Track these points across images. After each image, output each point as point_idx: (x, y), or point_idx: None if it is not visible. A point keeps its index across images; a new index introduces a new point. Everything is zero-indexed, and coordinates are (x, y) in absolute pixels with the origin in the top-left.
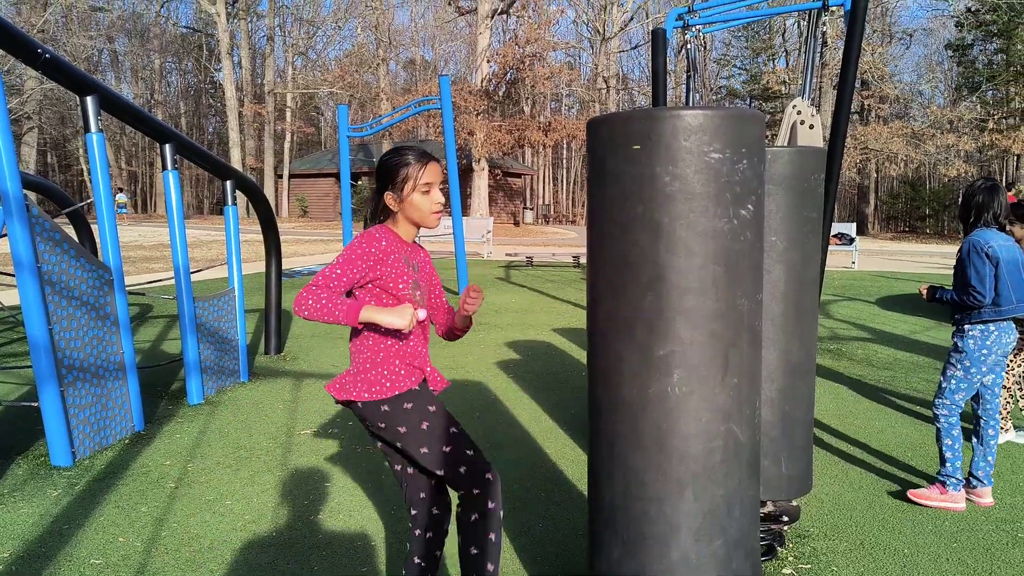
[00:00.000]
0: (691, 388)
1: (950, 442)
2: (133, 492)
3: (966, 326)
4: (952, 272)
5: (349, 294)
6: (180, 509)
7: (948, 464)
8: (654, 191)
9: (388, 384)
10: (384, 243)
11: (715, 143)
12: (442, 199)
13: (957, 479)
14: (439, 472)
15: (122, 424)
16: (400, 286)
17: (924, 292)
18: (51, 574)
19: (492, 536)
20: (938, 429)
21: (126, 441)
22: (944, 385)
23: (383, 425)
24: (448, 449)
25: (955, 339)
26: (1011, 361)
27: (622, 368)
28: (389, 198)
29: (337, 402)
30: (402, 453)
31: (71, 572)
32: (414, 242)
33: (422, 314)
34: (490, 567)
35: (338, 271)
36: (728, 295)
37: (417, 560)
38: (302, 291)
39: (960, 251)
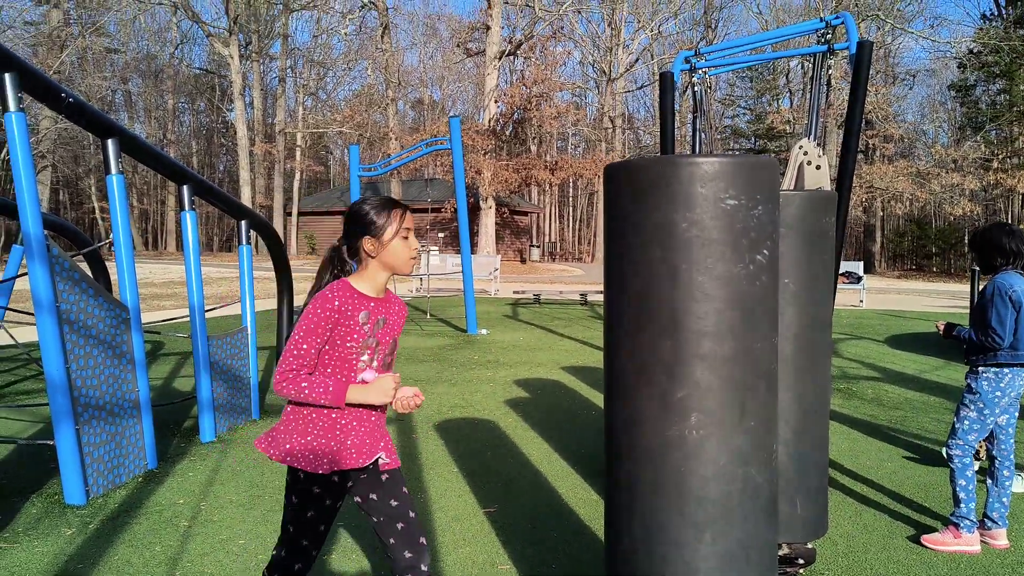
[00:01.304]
0: (709, 431)
1: (964, 483)
2: (146, 531)
3: (980, 368)
4: (968, 311)
5: None
6: (193, 548)
7: (962, 505)
8: (672, 237)
9: (322, 459)
10: (337, 302)
11: (731, 190)
12: (417, 245)
13: (971, 520)
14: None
15: (136, 462)
16: (348, 344)
17: (941, 328)
18: None
19: None
20: (952, 470)
21: (139, 479)
22: (958, 426)
23: (288, 479)
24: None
25: (969, 380)
26: None
27: (640, 412)
28: (368, 243)
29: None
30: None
31: None
32: (387, 291)
33: (369, 375)
34: None
35: (304, 347)
36: (745, 339)
37: None
38: (278, 373)
39: (983, 292)
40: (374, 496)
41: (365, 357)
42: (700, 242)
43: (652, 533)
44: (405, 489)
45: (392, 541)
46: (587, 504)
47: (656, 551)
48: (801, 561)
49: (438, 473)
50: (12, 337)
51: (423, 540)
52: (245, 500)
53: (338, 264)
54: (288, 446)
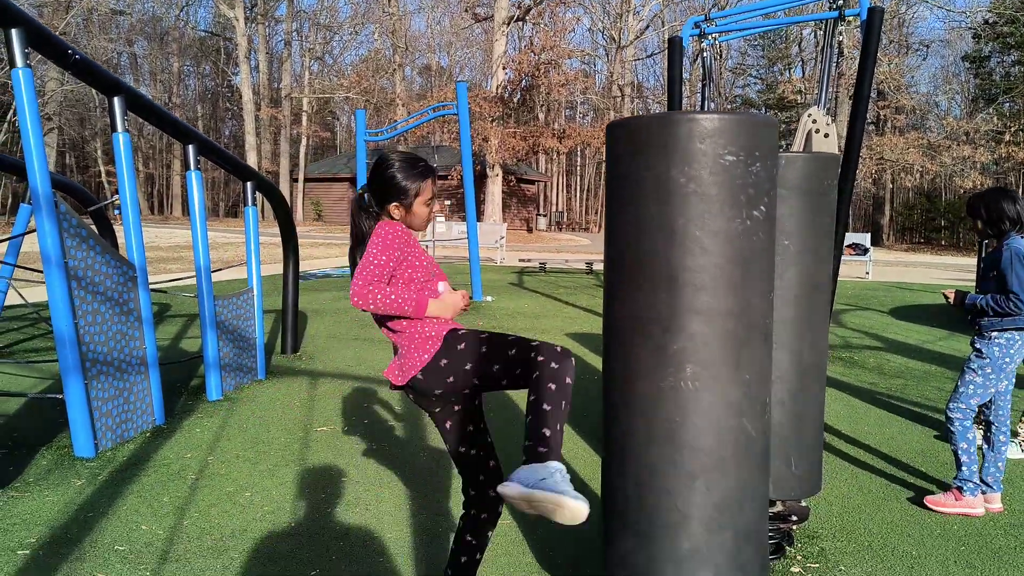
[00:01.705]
0: (703, 383)
1: (965, 445)
2: (155, 483)
3: (994, 333)
4: (975, 280)
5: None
6: (201, 500)
7: (964, 468)
8: (670, 192)
9: (432, 345)
10: (400, 229)
11: (730, 146)
12: (438, 207)
13: (974, 483)
14: (525, 353)
15: (144, 417)
16: (425, 261)
17: (951, 297)
18: (77, 559)
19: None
20: (952, 432)
21: (147, 434)
22: (961, 389)
23: (451, 380)
24: (513, 341)
25: (979, 345)
26: None
27: (637, 363)
28: (394, 208)
29: (394, 387)
30: (483, 384)
31: (96, 557)
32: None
33: (442, 286)
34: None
35: (383, 258)
36: (741, 294)
37: (469, 538)
38: (357, 282)
39: (997, 258)
40: (471, 427)
41: (434, 272)
42: (698, 197)
43: (645, 481)
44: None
45: (481, 478)
46: (588, 464)
47: (649, 498)
48: (795, 518)
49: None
50: (21, 296)
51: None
52: (251, 456)
53: (364, 214)
54: (427, 342)
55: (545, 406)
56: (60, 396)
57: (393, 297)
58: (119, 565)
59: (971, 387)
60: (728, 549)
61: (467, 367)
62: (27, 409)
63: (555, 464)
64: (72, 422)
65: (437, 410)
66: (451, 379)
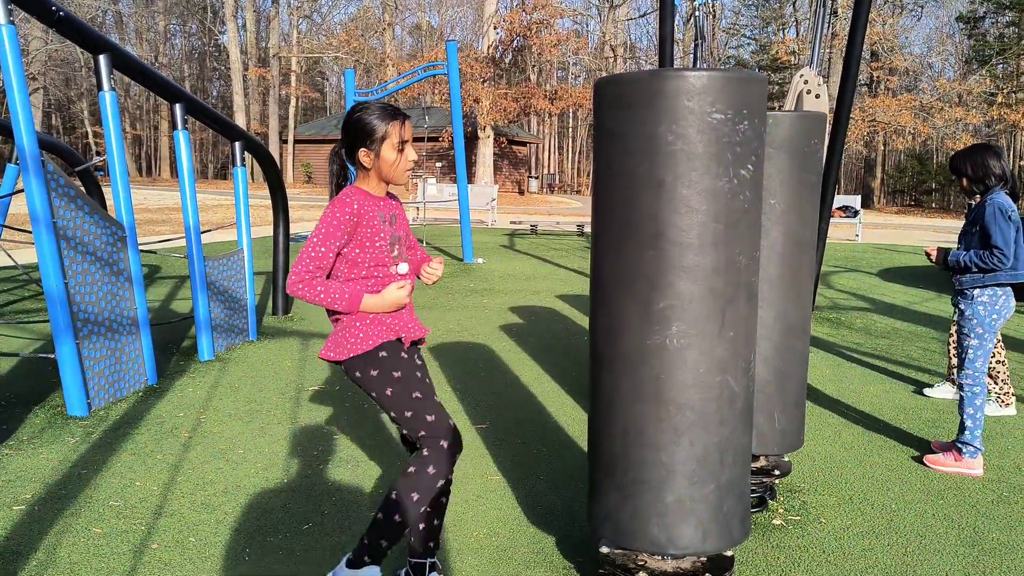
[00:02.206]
0: (689, 341)
1: (972, 411)
2: (148, 440)
3: (975, 291)
4: (957, 239)
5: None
6: (194, 457)
7: (967, 432)
8: (657, 150)
9: (364, 339)
10: (356, 205)
11: (717, 104)
12: (415, 156)
13: (975, 447)
14: (402, 422)
15: (136, 377)
16: (377, 243)
17: (933, 254)
18: (72, 514)
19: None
20: (962, 398)
21: (140, 393)
22: (963, 356)
23: (359, 376)
24: (417, 401)
25: (962, 306)
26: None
27: (623, 321)
28: (363, 155)
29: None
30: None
31: (91, 513)
32: (388, 195)
33: (403, 268)
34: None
35: (322, 249)
36: (727, 252)
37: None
38: (293, 273)
39: (979, 213)
40: (419, 373)
41: (395, 252)
42: (685, 155)
43: (631, 437)
44: None
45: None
46: (576, 421)
47: (634, 453)
48: (777, 472)
49: None
50: (11, 257)
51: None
52: (243, 414)
53: (339, 166)
54: (361, 334)
55: (379, 515)
56: (52, 356)
57: (323, 295)
58: (114, 520)
59: (970, 351)
60: (711, 502)
61: (372, 392)
62: (20, 369)
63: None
64: (64, 381)
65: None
66: (358, 375)
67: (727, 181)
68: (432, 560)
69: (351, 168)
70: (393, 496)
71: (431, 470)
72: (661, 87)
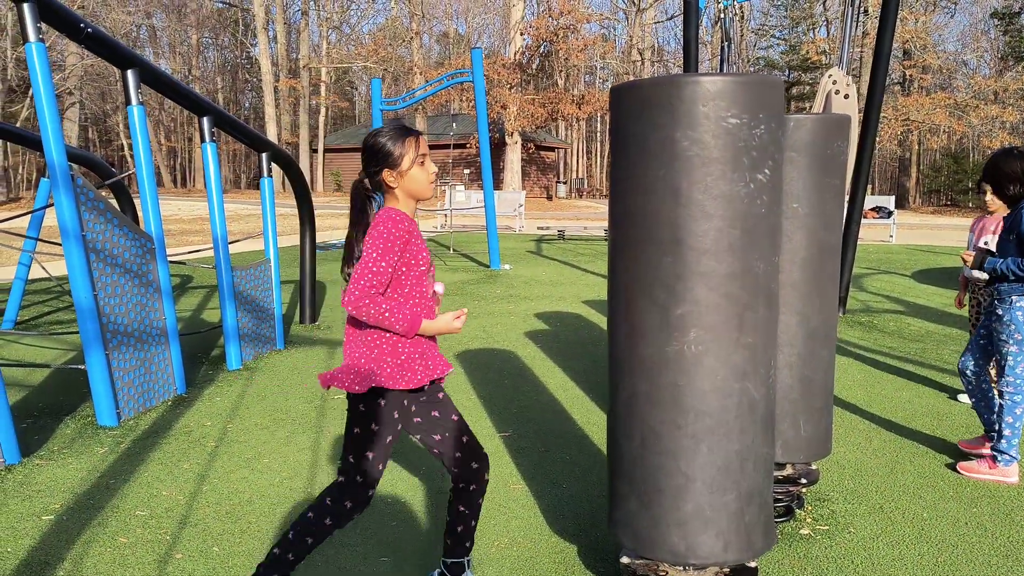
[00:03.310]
0: (707, 347)
1: (1011, 419)
2: (176, 450)
3: (1014, 298)
4: (997, 244)
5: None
6: (220, 466)
7: (1005, 441)
8: (673, 156)
9: (404, 375)
10: (406, 223)
11: (733, 108)
12: (435, 168)
13: (1011, 456)
14: (355, 456)
15: (165, 387)
16: (420, 264)
17: (969, 260)
18: (99, 524)
19: None
20: (1001, 406)
21: (169, 403)
22: (1003, 364)
23: (365, 405)
24: (384, 448)
25: (1001, 312)
26: None
27: (641, 327)
28: (388, 176)
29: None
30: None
31: (118, 522)
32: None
33: (440, 288)
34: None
35: (383, 264)
36: (744, 258)
37: (462, 508)
38: (356, 288)
39: (1017, 220)
40: (436, 413)
41: (431, 273)
42: (701, 160)
43: (649, 443)
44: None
45: (459, 455)
46: (600, 429)
47: (653, 460)
48: (804, 481)
49: (456, 400)
50: (45, 269)
51: (484, 450)
52: (269, 423)
53: (364, 198)
54: (376, 368)
55: (290, 534)
56: (83, 367)
57: (387, 314)
58: (140, 529)
59: (1010, 358)
60: (732, 511)
61: (359, 420)
62: (52, 380)
63: None
64: (94, 392)
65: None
66: (363, 408)
67: (744, 186)
68: (468, 558)
69: (378, 197)
70: (310, 516)
71: (347, 504)
72: (676, 92)
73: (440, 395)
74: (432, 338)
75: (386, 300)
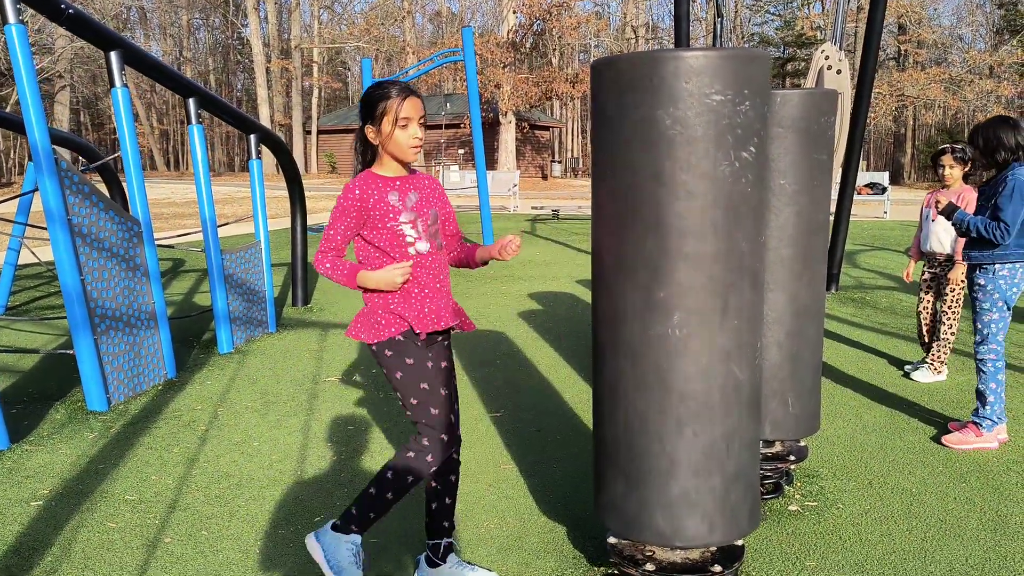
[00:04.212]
0: (691, 330)
1: (995, 386)
2: (166, 434)
3: (996, 266)
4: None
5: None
6: (210, 450)
7: (988, 407)
8: (655, 134)
9: (383, 326)
10: (358, 191)
11: (716, 84)
12: (420, 134)
13: (993, 421)
14: (408, 408)
15: (155, 371)
16: (389, 224)
17: (942, 203)
18: (88, 509)
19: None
20: (984, 373)
21: (159, 387)
22: (986, 331)
23: (378, 355)
24: (424, 391)
25: (981, 279)
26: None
27: (624, 310)
28: (369, 131)
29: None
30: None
31: (107, 507)
32: (411, 171)
33: (423, 247)
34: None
35: (331, 232)
36: (728, 238)
37: (434, 484)
38: (317, 252)
39: (1000, 185)
40: (445, 364)
41: (410, 231)
42: (684, 139)
43: (635, 427)
44: None
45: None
46: (591, 409)
47: (638, 444)
48: (792, 458)
49: None
50: (34, 254)
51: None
52: (260, 407)
53: (361, 148)
54: (373, 320)
55: (371, 489)
56: (72, 352)
57: (330, 270)
58: (129, 514)
59: (993, 326)
60: (717, 493)
61: (387, 373)
62: (42, 365)
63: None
64: (84, 376)
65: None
66: (374, 349)
67: (728, 165)
68: (449, 540)
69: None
70: (389, 475)
71: (429, 458)
72: (658, 68)
73: (444, 364)
74: (436, 292)
75: (331, 259)
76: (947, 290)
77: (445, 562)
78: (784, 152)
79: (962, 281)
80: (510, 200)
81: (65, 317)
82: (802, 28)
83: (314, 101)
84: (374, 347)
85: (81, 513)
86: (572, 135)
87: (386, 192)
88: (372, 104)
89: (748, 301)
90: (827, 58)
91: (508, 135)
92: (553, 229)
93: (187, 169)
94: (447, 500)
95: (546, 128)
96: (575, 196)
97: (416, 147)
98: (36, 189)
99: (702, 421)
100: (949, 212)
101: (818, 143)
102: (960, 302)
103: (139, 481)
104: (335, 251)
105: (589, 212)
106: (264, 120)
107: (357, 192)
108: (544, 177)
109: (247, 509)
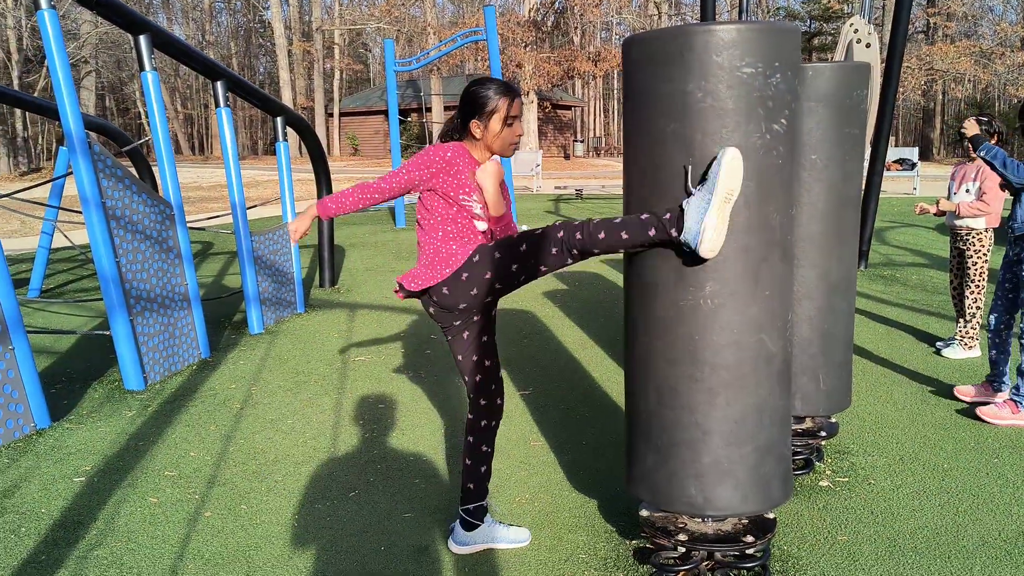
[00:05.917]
0: (723, 300)
1: None
2: (201, 412)
3: None
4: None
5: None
6: (245, 427)
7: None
8: (686, 108)
9: (454, 261)
10: (450, 154)
11: (747, 57)
12: (522, 131)
13: None
14: (535, 238)
15: (189, 351)
16: (461, 196)
17: (969, 130)
18: (130, 484)
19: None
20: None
21: (193, 367)
22: None
23: (474, 291)
24: (521, 237)
25: (1022, 254)
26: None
27: (656, 282)
28: (474, 126)
29: (407, 295)
30: (504, 286)
31: (147, 483)
32: (491, 159)
33: (482, 226)
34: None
35: (403, 171)
36: (760, 210)
37: (485, 448)
38: (361, 184)
39: None
40: (450, 337)
41: (479, 210)
42: (715, 112)
43: (666, 398)
44: None
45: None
46: (619, 385)
47: (669, 415)
48: (823, 434)
49: None
50: (68, 238)
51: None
52: (291, 385)
53: (451, 136)
54: (437, 275)
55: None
56: (109, 333)
57: (338, 194)
58: (169, 489)
59: None
60: (749, 463)
61: (486, 275)
62: (79, 346)
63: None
64: (120, 357)
65: (457, 323)
66: (474, 291)
67: (759, 137)
68: (479, 504)
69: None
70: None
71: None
72: (689, 42)
73: (493, 312)
74: (427, 254)
75: (356, 190)
76: (970, 263)
77: (483, 522)
78: (815, 126)
79: (951, 213)
80: (533, 180)
81: (99, 299)
82: (828, 2)
83: (336, 83)
84: (456, 280)
85: (123, 488)
86: (594, 114)
87: (469, 168)
88: (480, 101)
89: (779, 273)
90: (856, 31)
91: (530, 115)
92: (577, 209)
93: (212, 153)
94: (491, 463)
95: (568, 107)
96: (598, 175)
97: (515, 144)
98: (69, 173)
99: (734, 391)
100: (976, 142)
101: (850, 117)
102: (984, 275)
103: (178, 457)
104: (372, 191)
105: (612, 192)
106: (287, 103)
107: (449, 155)
108: (567, 157)
109: (284, 484)
